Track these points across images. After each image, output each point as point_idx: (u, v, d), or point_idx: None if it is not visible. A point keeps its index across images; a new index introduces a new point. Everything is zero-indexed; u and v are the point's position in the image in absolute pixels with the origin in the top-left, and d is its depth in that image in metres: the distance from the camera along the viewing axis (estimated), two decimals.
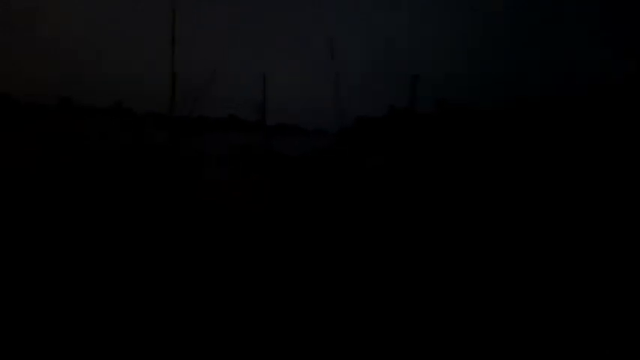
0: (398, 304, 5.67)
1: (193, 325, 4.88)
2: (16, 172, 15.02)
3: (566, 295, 6.32)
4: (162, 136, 30.67)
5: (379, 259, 7.39)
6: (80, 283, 5.99)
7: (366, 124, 39.49)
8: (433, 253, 8.08)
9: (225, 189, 12.99)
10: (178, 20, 28.86)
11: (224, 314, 5.17)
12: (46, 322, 4.83)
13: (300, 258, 7.44)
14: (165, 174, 15.88)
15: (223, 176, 16.73)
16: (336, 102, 32.28)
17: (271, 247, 7.85)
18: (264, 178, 15.94)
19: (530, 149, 23.78)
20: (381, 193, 14.29)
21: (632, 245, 8.88)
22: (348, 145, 33.56)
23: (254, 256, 7.40)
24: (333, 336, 4.84)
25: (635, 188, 15.26)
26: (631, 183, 15.90)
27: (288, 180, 16.12)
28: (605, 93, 25.23)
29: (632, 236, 9.58)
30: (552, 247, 8.83)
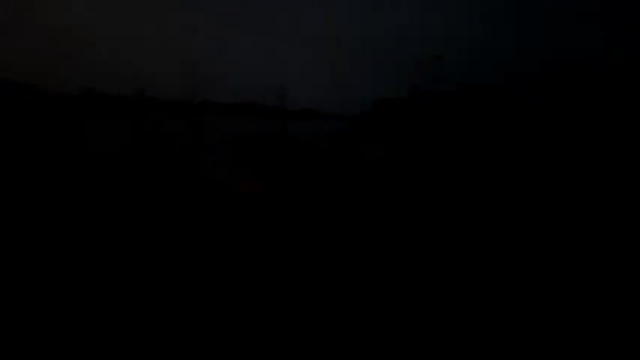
0: (402, 304, 5.53)
1: (195, 324, 4.84)
2: (40, 161, 15.54)
3: (567, 294, 6.07)
4: (181, 124, 31.00)
5: (386, 258, 7.17)
6: (84, 281, 6.00)
7: (384, 107, 38.75)
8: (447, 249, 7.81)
9: (230, 184, 12.97)
10: (197, 9, 29.04)
11: (234, 314, 5.12)
12: (45, 322, 4.87)
13: (298, 256, 7.30)
14: (177, 167, 16.02)
15: (231, 168, 16.74)
16: (354, 85, 31.70)
17: (269, 245, 7.76)
18: (274, 171, 15.83)
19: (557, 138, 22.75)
20: (394, 187, 13.89)
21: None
22: (363, 129, 33.10)
23: (251, 253, 7.30)
24: (334, 335, 4.74)
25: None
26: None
27: (298, 172, 15.93)
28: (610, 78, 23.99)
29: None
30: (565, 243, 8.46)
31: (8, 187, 11.23)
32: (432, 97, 36.36)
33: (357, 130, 34.02)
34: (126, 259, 6.63)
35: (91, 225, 8.38)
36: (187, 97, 29.54)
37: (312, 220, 9.28)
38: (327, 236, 8.06)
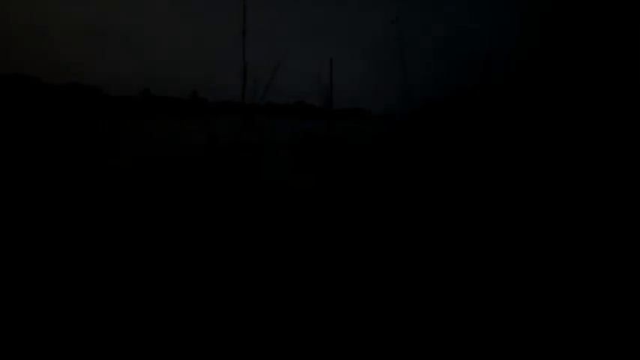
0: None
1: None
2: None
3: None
4: (234, 124, 31.94)
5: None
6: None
7: (434, 106, 38.35)
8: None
9: (292, 184, 13.25)
10: (248, 12, 29.84)
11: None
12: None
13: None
14: (229, 168, 16.23)
15: (282, 168, 16.96)
16: (403, 84, 31.59)
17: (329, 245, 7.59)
18: (320, 175, 15.83)
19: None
20: (440, 189, 13.40)
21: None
22: (413, 129, 32.78)
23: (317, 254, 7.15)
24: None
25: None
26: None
27: (346, 175, 15.87)
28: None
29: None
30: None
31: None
32: (481, 94, 35.59)
33: (403, 131, 33.71)
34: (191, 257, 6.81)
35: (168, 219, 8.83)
36: (242, 98, 30.50)
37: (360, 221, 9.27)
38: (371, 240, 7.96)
